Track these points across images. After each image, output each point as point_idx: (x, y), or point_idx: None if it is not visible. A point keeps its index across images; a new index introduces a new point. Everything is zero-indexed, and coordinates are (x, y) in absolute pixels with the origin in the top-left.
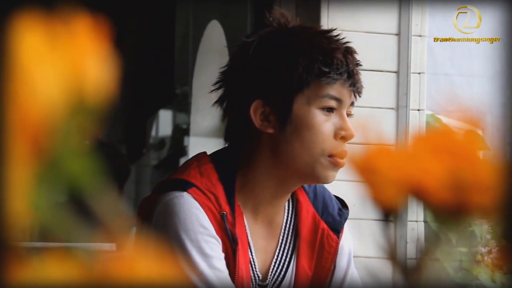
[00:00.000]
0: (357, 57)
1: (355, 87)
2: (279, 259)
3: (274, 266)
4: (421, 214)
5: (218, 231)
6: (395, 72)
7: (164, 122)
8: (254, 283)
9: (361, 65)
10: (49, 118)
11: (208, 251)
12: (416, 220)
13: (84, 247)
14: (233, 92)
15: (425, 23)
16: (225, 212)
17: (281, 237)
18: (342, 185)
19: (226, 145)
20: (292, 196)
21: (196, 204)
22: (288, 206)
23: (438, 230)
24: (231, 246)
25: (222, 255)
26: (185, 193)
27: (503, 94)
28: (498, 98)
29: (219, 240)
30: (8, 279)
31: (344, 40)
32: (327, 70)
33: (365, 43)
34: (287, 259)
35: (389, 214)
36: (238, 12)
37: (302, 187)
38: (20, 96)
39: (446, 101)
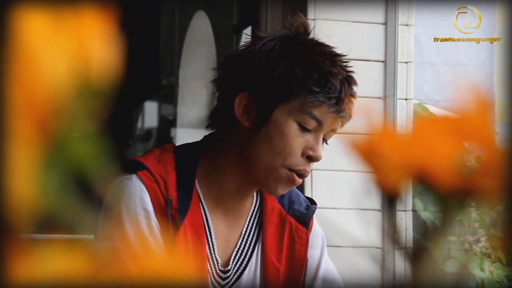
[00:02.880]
0: (355, 88)
1: (339, 115)
2: (241, 248)
3: (236, 254)
4: (410, 203)
5: (160, 214)
6: (382, 61)
7: (150, 114)
8: (214, 268)
9: (355, 97)
10: (55, 100)
11: (146, 234)
12: (404, 210)
13: (89, 239)
14: (227, 78)
15: (412, 12)
16: (170, 198)
17: (244, 229)
18: (347, 175)
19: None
20: (259, 192)
21: (141, 187)
22: (256, 201)
23: (440, 216)
24: (171, 230)
25: (161, 239)
26: (134, 176)
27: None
28: (484, 86)
29: (158, 224)
30: (12, 270)
31: (349, 69)
32: (317, 90)
33: (352, 33)
34: (250, 250)
35: (394, 199)
36: (224, 2)
37: None
38: (26, 78)
39: (454, 87)
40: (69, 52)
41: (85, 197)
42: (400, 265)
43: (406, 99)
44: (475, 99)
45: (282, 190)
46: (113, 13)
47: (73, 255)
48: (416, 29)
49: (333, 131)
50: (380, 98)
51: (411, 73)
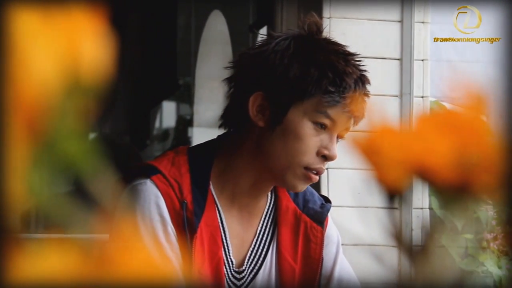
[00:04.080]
0: (368, 87)
1: (353, 114)
2: (256, 248)
3: (251, 254)
4: (426, 201)
5: (176, 219)
6: (398, 59)
7: (167, 113)
8: (228, 269)
9: (369, 96)
10: (45, 98)
11: (162, 240)
12: (421, 208)
13: (85, 238)
14: (240, 77)
15: (428, 10)
16: (185, 201)
17: (259, 228)
18: (348, 173)
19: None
20: (273, 191)
21: (156, 192)
22: (270, 200)
23: (444, 215)
24: (187, 234)
25: (177, 245)
26: (148, 180)
27: (504, 87)
28: (500, 83)
29: (174, 230)
30: (6, 268)
31: (362, 68)
32: (332, 90)
33: (368, 31)
34: (265, 249)
35: (394, 196)
36: (240, 2)
37: None
38: (15, 76)
39: (450, 84)
40: (59, 50)
41: (77, 195)
42: (405, 260)
43: (422, 97)
44: (471, 96)
45: (301, 187)
46: (103, 12)
47: (68, 254)
48: (433, 26)
49: (347, 129)
50: (396, 96)
51: (427, 71)
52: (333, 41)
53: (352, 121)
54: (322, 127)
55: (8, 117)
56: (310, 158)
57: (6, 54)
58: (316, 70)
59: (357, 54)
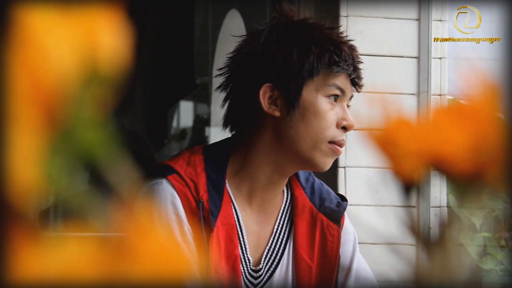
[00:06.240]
0: (359, 54)
1: (357, 80)
2: (273, 246)
3: (268, 252)
4: (444, 199)
5: (192, 218)
6: (415, 57)
7: (185, 113)
8: (245, 267)
9: (362, 62)
10: (63, 87)
11: (178, 240)
12: (439, 206)
13: (102, 234)
14: (241, 77)
15: (446, 8)
16: (201, 200)
17: (276, 226)
18: (365, 171)
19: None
20: (290, 190)
21: (172, 192)
22: (287, 198)
23: (462, 213)
24: (204, 233)
25: (193, 245)
26: (164, 180)
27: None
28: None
29: (191, 229)
30: (16, 255)
31: (347, 38)
32: (337, 60)
33: (385, 29)
34: (281, 247)
35: (410, 187)
36: (257, 1)
37: (300, 183)
38: (33, 65)
39: (466, 81)
40: (76, 40)
41: (94, 185)
42: (421, 251)
43: (440, 95)
44: (486, 89)
45: (329, 164)
46: (121, 9)
47: (85, 248)
48: (450, 24)
49: (351, 98)
50: (413, 94)
51: (445, 69)
52: (313, 21)
53: (353, 90)
54: (335, 99)
55: (25, 105)
56: (333, 132)
57: (23, 43)
58: (316, 47)
59: (339, 27)
